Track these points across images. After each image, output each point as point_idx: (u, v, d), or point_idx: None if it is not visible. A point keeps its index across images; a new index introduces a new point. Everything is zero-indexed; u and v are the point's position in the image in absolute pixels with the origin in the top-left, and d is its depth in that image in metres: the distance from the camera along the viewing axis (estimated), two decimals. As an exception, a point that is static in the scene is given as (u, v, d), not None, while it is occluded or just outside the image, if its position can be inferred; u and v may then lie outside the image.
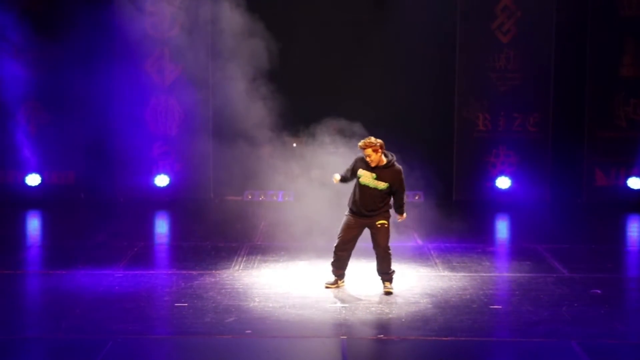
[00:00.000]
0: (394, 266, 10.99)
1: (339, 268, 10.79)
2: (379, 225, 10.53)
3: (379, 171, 10.43)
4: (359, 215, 10.55)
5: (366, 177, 10.44)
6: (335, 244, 10.74)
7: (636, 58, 17.03)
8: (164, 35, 17.32)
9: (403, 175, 10.58)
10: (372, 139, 10.45)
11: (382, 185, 10.44)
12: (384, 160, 10.45)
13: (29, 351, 8.68)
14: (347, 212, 10.68)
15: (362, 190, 10.47)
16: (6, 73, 16.97)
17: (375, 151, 10.37)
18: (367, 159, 10.41)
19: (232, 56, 16.74)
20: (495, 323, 9.64)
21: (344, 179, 10.75)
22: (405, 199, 10.76)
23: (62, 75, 16.95)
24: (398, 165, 10.55)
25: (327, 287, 10.75)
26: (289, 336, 9.01)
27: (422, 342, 8.87)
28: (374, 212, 10.50)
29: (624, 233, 15.26)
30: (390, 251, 10.66)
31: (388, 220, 10.60)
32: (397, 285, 10.86)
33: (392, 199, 10.64)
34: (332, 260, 10.83)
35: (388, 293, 10.54)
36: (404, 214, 10.78)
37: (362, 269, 11.37)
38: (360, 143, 10.45)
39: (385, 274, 10.68)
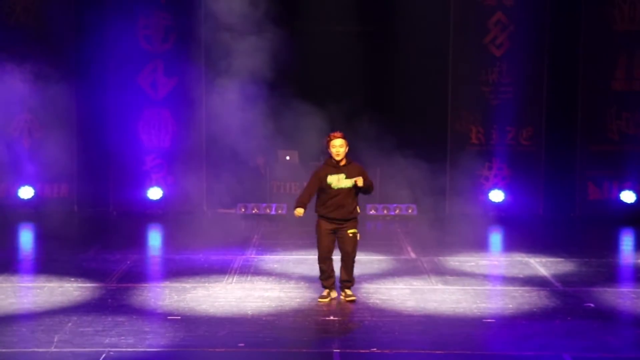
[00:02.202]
0: (389, 279, 10.97)
1: (328, 278, 10.72)
2: (351, 235, 10.51)
3: (346, 169, 10.42)
4: (330, 220, 10.48)
5: (337, 181, 10.41)
6: (317, 257, 10.65)
7: (629, 72, 17.09)
8: (157, 48, 17.35)
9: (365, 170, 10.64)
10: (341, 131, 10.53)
11: (352, 182, 10.39)
12: (345, 158, 10.46)
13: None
14: (317, 219, 10.61)
15: (336, 194, 10.41)
16: (0, 86, 16.95)
17: (347, 145, 10.41)
18: (339, 149, 10.34)
19: (226, 69, 16.78)
20: (489, 336, 9.62)
21: (305, 204, 10.55)
22: (371, 187, 10.56)
23: (56, 88, 16.95)
24: (356, 162, 10.63)
25: (320, 302, 10.69)
26: (282, 349, 8.98)
27: (415, 356, 8.84)
28: (349, 214, 10.45)
29: (617, 246, 15.27)
30: (355, 259, 10.64)
31: (356, 229, 10.57)
32: (390, 298, 10.87)
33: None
34: (319, 274, 10.77)
35: (352, 301, 10.56)
36: (363, 181, 10.36)
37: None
38: (336, 134, 10.43)
39: (347, 281, 10.66)
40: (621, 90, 17.16)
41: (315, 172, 10.65)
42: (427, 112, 17.35)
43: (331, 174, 10.45)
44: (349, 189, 10.42)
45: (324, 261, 10.62)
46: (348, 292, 10.70)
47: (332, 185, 10.42)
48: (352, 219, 10.53)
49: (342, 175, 10.41)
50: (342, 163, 10.44)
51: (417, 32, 17.23)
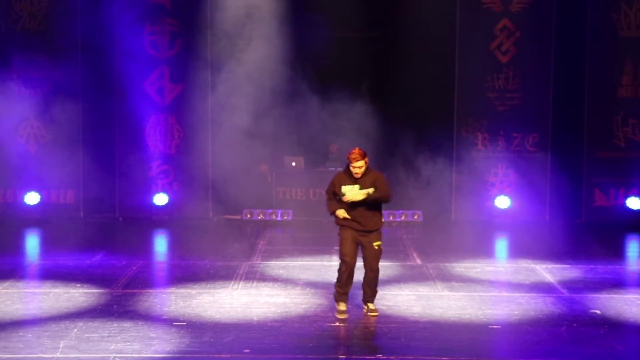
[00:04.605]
0: (395, 285, 10.95)
1: (345, 293, 10.39)
2: (376, 247, 10.27)
3: (362, 180, 10.20)
4: (354, 229, 10.26)
5: (351, 190, 10.17)
6: (340, 264, 10.36)
7: (635, 79, 17.07)
8: (163, 54, 17.37)
9: (384, 177, 10.37)
10: (360, 149, 10.29)
11: (364, 194, 10.14)
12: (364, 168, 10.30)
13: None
14: (339, 229, 10.37)
15: (352, 205, 10.20)
16: (7, 92, 16.99)
17: (366, 162, 10.24)
18: (358, 170, 10.15)
19: (232, 74, 16.80)
20: (495, 343, 9.61)
21: (337, 207, 10.34)
22: (385, 197, 10.27)
23: (62, 94, 16.99)
24: (376, 171, 10.36)
25: (338, 317, 10.29)
26: (288, 355, 8.98)
27: (421, 362, 8.85)
28: (370, 224, 10.22)
29: (623, 253, 15.24)
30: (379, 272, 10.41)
31: (381, 241, 10.36)
32: (396, 304, 10.86)
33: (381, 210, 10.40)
34: (337, 282, 10.44)
35: (374, 315, 10.31)
36: (373, 192, 10.16)
37: (359, 288, 11.32)
38: (355, 155, 10.17)
39: (371, 293, 10.43)
40: (627, 96, 17.14)
41: (332, 180, 10.44)
42: (433, 118, 17.32)
43: (346, 183, 10.26)
44: (363, 201, 10.22)
45: (343, 264, 10.25)
46: (371, 306, 10.41)
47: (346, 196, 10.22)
48: (375, 231, 10.28)
49: (357, 186, 10.19)
50: (359, 176, 10.29)
51: (423, 38, 17.25)
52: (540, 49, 17.24)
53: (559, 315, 10.51)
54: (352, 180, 10.26)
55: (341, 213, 10.26)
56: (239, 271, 12.82)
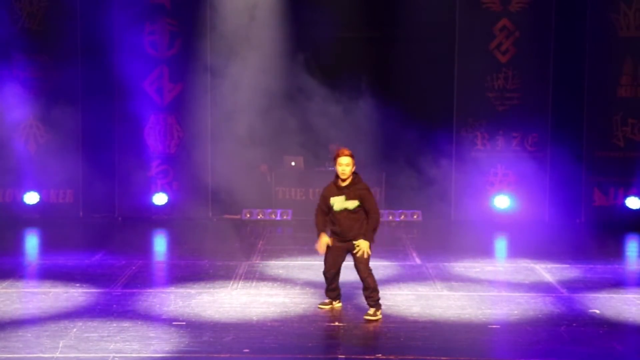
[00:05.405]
0: (394, 285, 10.92)
1: (329, 290, 10.63)
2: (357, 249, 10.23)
3: (347, 191, 10.18)
4: (340, 238, 10.28)
5: (338, 202, 10.20)
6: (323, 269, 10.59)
7: (634, 79, 17.07)
8: (163, 54, 17.37)
9: (370, 192, 10.31)
10: (347, 149, 10.28)
11: (352, 204, 10.17)
12: (350, 177, 10.21)
13: (26, 370, 8.68)
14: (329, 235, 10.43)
15: (339, 216, 10.22)
16: (6, 92, 17.00)
17: (353, 163, 10.17)
18: (345, 167, 10.09)
19: (232, 74, 16.80)
20: (494, 343, 9.61)
21: (323, 228, 10.32)
22: (376, 224, 10.26)
23: (61, 93, 17.00)
24: (363, 183, 10.31)
25: (320, 308, 10.65)
26: (287, 355, 8.98)
27: (420, 362, 8.85)
28: (349, 234, 10.20)
29: (622, 253, 15.24)
30: (370, 272, 10.29)
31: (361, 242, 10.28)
32: (395, 304, 10.86)
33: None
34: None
35: (368, 320, 10.17)
36: (367, 242, 10.18)
37: (359, 289, 11.32)
38: (342, 150, 10.20)
39: (368, 297, 10.32)
40: (627, 96, 17.14)
41: (321, 193, 10.45)
42: (433, 117, 17.32)
43: (333, 195, 10.27)
44: (350, 211, 10.20)
45: (327, 273, 10.51)
46: (369, 311, 10.27)
47: (334, 207, 10.23)
48: (359, 233, 10.23)
49: (343, 197, 10.21)
50: (345, 184, 10.23)
51: (422, 38, 17.26)
52: (540, 48, 17.24)
53: (558, 315, 10.51)
54: (339, 190, 10.24)
55: (322, 242, 10.24)
56: (238, 271, 12.82)
